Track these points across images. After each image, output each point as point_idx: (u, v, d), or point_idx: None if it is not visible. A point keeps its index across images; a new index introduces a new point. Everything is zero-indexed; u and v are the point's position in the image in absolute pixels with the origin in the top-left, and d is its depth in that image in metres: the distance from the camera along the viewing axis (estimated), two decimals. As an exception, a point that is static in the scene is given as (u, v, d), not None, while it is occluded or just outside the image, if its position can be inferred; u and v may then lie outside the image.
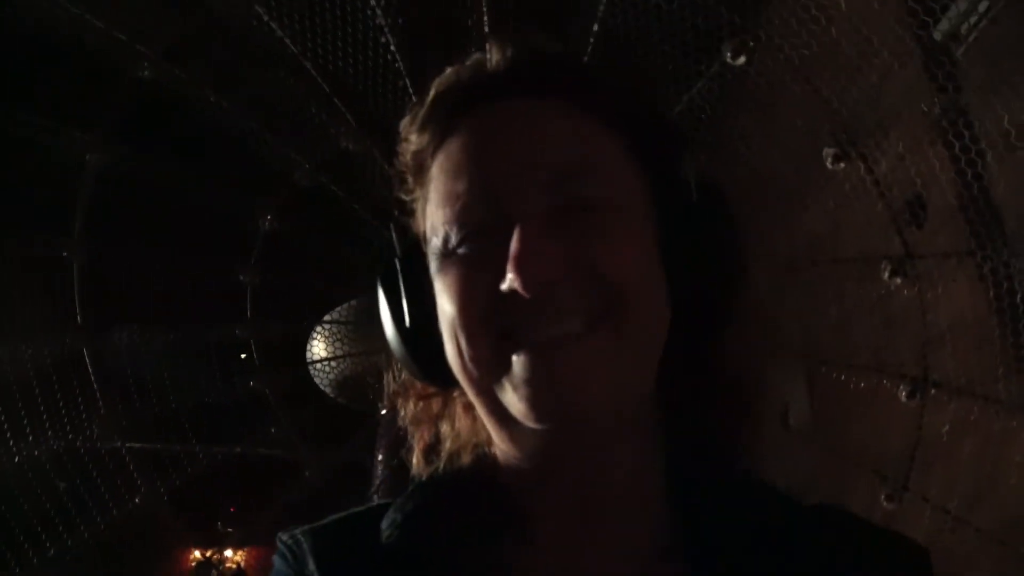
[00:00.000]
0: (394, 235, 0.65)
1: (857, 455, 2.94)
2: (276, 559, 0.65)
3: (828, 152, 2.19)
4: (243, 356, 3.67)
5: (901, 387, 2.47)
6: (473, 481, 0.64)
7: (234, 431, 3.68)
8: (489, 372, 0.55)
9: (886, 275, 2.33)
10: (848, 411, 3.21)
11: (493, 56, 0.62)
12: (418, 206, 0.64)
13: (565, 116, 0.58)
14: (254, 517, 4.18)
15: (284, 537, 0.65)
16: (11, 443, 3.17)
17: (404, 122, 0.64)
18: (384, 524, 0.62)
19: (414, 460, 0.68)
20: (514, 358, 0.53)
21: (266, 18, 2.63)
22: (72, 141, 2.95)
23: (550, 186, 0.54)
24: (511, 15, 2.39)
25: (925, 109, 2.38)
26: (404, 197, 0.65)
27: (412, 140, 0.62)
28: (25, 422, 3.20)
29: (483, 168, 0.56)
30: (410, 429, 0.69)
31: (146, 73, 2.81)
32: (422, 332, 0.61)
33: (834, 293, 3.27)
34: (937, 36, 2.37)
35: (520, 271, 0.51)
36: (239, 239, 3.51)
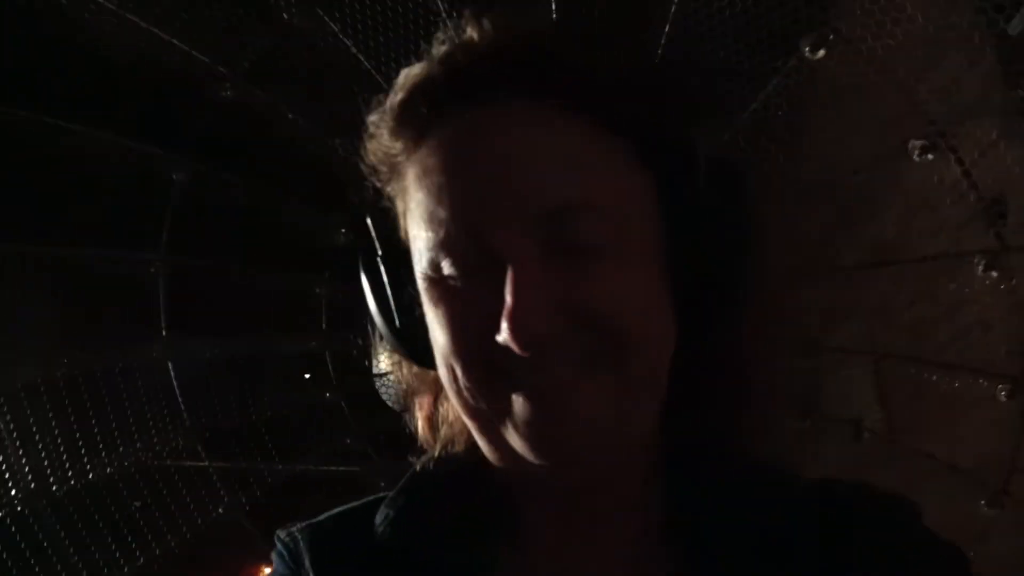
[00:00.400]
0: (372, 229, 0.62)
1: (947, 459, 2.84)
2: (274, 557, 0.64)
3: (915, 144, 2.13)
4: (307, 374, 3.76)
5: (1000, 387, 2.37)
6: (466, 474, 0.62)
7: (310, 442, 3.75)
8: (487, 404, 0.53)
9: (980, 270, 2.25)
10: (932, 414, 3.12)
11: (467, 48, 0.55)
12: (397, 203, 0.60)
13: (552, 121, 0.51)
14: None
15: (282, 535, 0.65)
16: (103, 455, 3.30)
17: (372, 119, 0.59)
18: (377, 520, 0.61)
19: (419, 429, 0.66)
20: (513, 397, 0.52)
21: (341, 36, 2.71)
22: (158, 160, 3.08)
23: (540, 216, 0.50)
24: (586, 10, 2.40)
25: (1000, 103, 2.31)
26: (378, 184, 0.61)
27: (384, 143, 0.58)
28: (116, 433, 3.34)
29: (468, 195, 0.51)
30: (408, 397, 0.67)
31: (228, 93, 2.91)
32: (411, 328, 0.60)
33: (917, 292, 3.18)
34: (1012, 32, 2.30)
35: (515, 331, 0.48)
36: (311, 253, 3.59)
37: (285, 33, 2.82)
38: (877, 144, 2.80)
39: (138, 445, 3.41)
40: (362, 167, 0.61)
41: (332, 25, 2.75)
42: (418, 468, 0.65)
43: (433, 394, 0.65)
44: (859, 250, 3.37)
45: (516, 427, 0.52)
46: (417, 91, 0.55)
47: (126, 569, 3.37)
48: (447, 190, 0.51)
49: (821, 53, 2.13)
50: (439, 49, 0.56)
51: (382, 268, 0.61)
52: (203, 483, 3.53)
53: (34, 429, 3.15)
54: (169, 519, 3.46)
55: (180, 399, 3.46)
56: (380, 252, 0.61)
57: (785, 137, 2.55)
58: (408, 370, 0.66)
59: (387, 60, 2.82)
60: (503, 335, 0.48)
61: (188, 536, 3.48)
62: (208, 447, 3.53)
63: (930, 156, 2.15)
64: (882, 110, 2.53)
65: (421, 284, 0.55)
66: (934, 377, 2.63)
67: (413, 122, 0.55)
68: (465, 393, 0.53)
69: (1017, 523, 2.85)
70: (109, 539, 3.35)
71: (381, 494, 0.65)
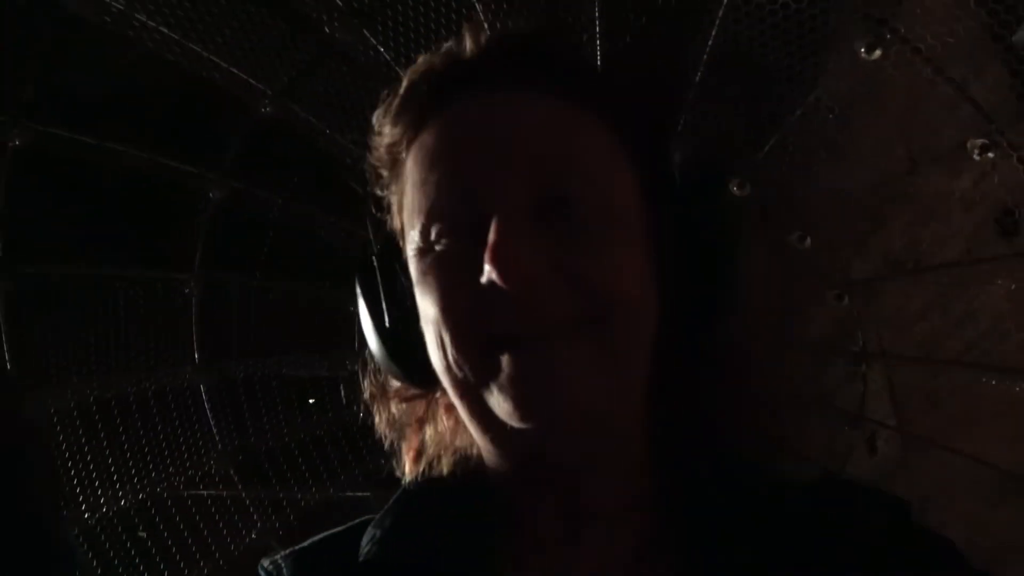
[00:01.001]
0: (370, 232, 0.63)
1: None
2: None
3: (975, 143, 2.12)
4: (343, 394, 3.71)
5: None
6: (454, 489, 0.61)
7: (345, 464, 3.69)
8: (475, 373, 0.53)
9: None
10: (965, 417, 3.10)
11: (468, 43, 0.58)
12: (394, 200, 0.61)
13: (547, 107, 0.54)
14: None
15: (265, 563, 0.64)
16: (135, 480, 3.24)
17: (377, 114, 0.61)
18: (364, 541, 0.60)
19: (405, 468, 0.65)
20: (500, 358, 0.51)
21: (382, 50, 2.70)
22: (193, 179, 3.05)
23: (530, 178, 0.52)
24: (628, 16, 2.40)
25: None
26: (379, 192, 0.63)
27: (385, 133, 0.60)
28: (148, 458, 3.28)
29: (459, 160, 0.54)
30: (388, 434, 0.65)
31: (267, 110, 2.90)
32: (402, 332, 0.59)
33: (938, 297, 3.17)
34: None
35: (497, 262, 0.48)
36: (346, 271, 3.55)
37: (325, 48, 2.82)
38: (920, 148, 2.80)
39: (171, 470, 3.35)
40: (366, 171, 0.63)
41: (372, 39, 2.74)
42: (406, 488, 0.64)
43: (419, 425, 0.64)
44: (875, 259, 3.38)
45: (501, 388, 0.51)
46: (419, 79, 0.58)
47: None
48: (440, 159, 0.54)
49: (877, 53, 2.12)
50: (444, 47, 0.60)
51: (376, 268, 0.61)
52: (236, 508, 3.46)
53: (67, 455, 3.09)
54: (202, 545, 3.39)
55: (212, 422, 3.41)
56: (376, 251, 0.62)
57: (835, 140, 2.54)
58: (392, 405, 0.65)
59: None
60: (486, 271, 0.48)
61: (221, 563, 3.40)
62: (241, 471, 3.47)
63: (991, 155, 2.13)
64: (927, 111, 2.53)
65: (412, 264, 0.56)
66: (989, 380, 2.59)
67: (414, 108, 0.57)
68: (454, 366, 0.53)
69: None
70: (141, 567, 3.28)
71: (367, 516, 0.63)
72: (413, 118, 0.57)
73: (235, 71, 2.84)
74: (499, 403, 0.52)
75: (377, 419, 0.65)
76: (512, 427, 0.52)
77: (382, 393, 0.65)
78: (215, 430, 3.41)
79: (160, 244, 3.14)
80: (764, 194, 2.81)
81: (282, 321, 3.45)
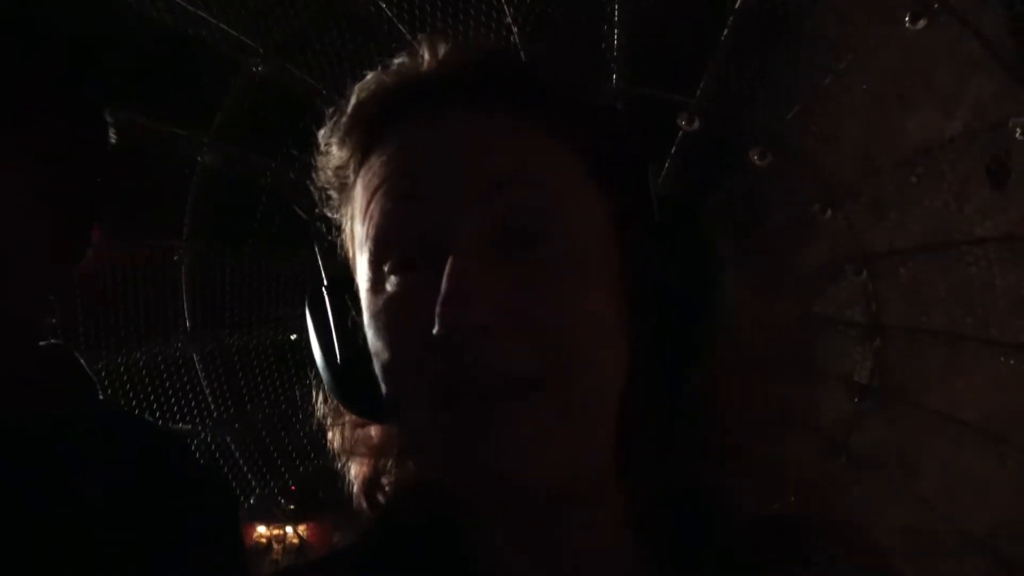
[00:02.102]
0: (319, 258, 0.60)
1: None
2: None
3: (1018, 121, 2.06)
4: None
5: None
6: (418, 534, 0.57)
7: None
8: (413, 423, 0.51)
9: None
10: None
11: (424, 57, 0.54)
12: (345, 225, 0.57)
13: (511, 129, 0.50)
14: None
15: None
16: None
17: (323, 132, 0.57)
18: None
19: (355, 497, 0.61)
20: (442, 414, 0.47)
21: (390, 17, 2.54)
22: (183, 143, 2.89)
23: (490, 209, 0.47)
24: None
25: None
26: (330, 215, 0.59)
27: (333, 154, 0.56)
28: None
29: (409, 186, 0.49)
30: (342, 458, 0.61)
31: (259, 69, 2.73)
32: (354, 367, 0.55)
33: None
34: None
35: (448, 319, 0.44)
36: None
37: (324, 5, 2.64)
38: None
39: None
40: (313, 192, 0.59)
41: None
42: (362, 532, 0.60)
43: (372, 453, 0.60)
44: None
45: (437, 446, 0.49)
46: (368, 98, 0.54)
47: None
48: (390, 184, 0.50)
49: (922, 23, 2.03)
50: (396, 62, 0.56)
51: (326, 299, 0.57)
52: (234, 475, 3.42)
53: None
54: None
55: (207, 391, 3.32)
56: (325, 282, 0.58)
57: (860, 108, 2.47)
58: (347, 429, 0.61)
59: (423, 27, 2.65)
60: (435, 327, 0.45)
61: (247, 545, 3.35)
62: (237, 439, 3.41)
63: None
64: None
65: (364, 301, 0.52)
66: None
67: (363, 129, 0.53)
68: (404, 416, 0.51)
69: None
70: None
71: (331, 554, 0.61)
72: (361, 140, 0.53)
73: (226, 28, 2.66)
74: (433, 461, 0.50)
75: (330, 438, 0.62)
76: (461, 489, 0.49)
77: (336, 414, 0.61)
78: (210, 399, 3.33)
79: (149, 211, 2.98)
80: (786, 163, 2.73)
81: (275, 288, 3.34)
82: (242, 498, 3.44)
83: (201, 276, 3.19)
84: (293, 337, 3.41)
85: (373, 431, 0.60)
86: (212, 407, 3.34)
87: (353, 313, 0.56)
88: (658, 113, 2.87)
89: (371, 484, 0.60)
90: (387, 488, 0.60)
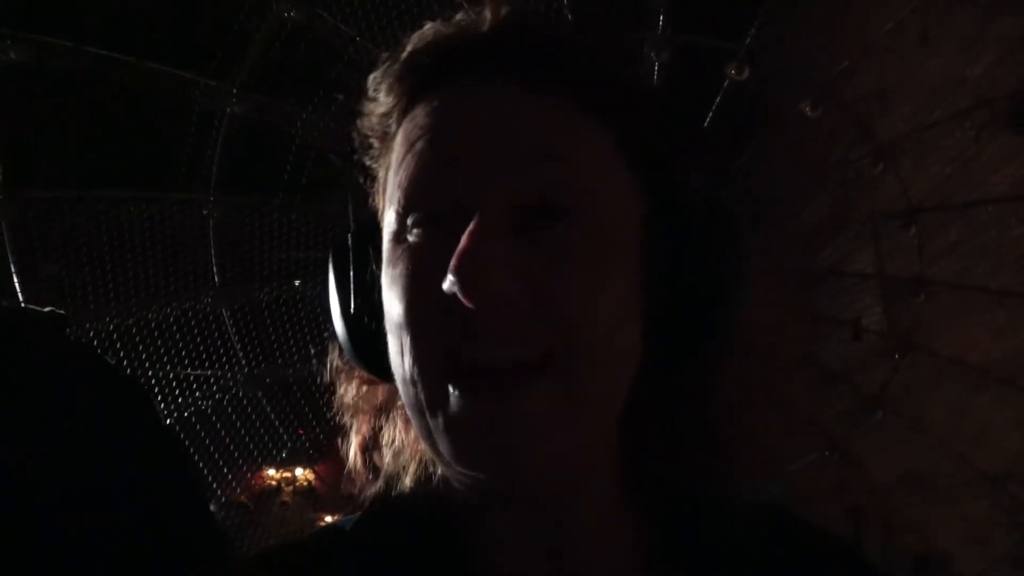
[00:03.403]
0: (350, 205, 0.59)
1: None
2: None
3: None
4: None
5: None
6: (414, 517, 0.56)
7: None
8: (428, 396, 0.47)
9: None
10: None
11: (485, 17, 0.52)
12: (380, 175, 0.56)
13: (548, 102, 0.49)
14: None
15: None
16: (162, 405, 3.15)
17: (373, 77, 0.55)
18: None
19: (350, 455, 0.59)
20: (449, 388, 0.46)
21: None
22: (210, 92, 2.79)
23: (523, 179, 0.46)
24: None
25: None
26: (368, 163, 0.57)
27: (380, 101, 0.54)
28: (174, 383, 3.19)
29: (449, 144, 0.49)
30: (344, 413, 0.60)
31: (291, 15, 2.61)
32: (368, 321, 0.55)
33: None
34: None
35: (462, 274, 0.43)
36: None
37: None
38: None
39: (197, 395, 3.26)
40: (355, 139, 0.57)
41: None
42: (367, 514, 0.58)
43: (373, 418, 0.59)
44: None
45: (446, 427, 0.46)
46: (423, 49, 0.52)
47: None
48: (430, 138, 0.49)
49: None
50: (456, 18, 0.54)
51: (350, 248, 0.57)
52: (266, 430, 3.42)
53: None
54: (232, 467, 3.37)
55: (237, 346, 3.30)
56: (352, 229, 0.57)
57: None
58: (354, 385, 0.60)
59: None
60: (448, 280, 0.43)
61: (252, 482, 3.39)
62: (269, 394, 3.40)
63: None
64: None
65: (385, 250, 0.51)
66: None
67: (412, 78, 0.52)
68: (409, 381, 0.48)
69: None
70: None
71: (329, 526, 0.59)
72: (409, 89, 0.52)
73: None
74: (441, 441, 0.47)
75: (337, 394, 0.61)
76: (457, 470, 0.48)
77: (348, 370, 0.60)
78: (241, 354, 3.30)
79: (177, 165, 2.90)
80: (836, 116, 2.65)
81: (305, 240, 3.28)
82: (274, 451, 3.47)
83: (230, 230, 3.13)
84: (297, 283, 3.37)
85: (379, 392, 0.59)
86: (243, 362, 3.32)
87: (373, 266, 0.55)
88: (703, 63, 2.78)
89: (368, 445, 0.59)
90: (386, 453, 0.58)
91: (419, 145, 0.49)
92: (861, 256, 3.36)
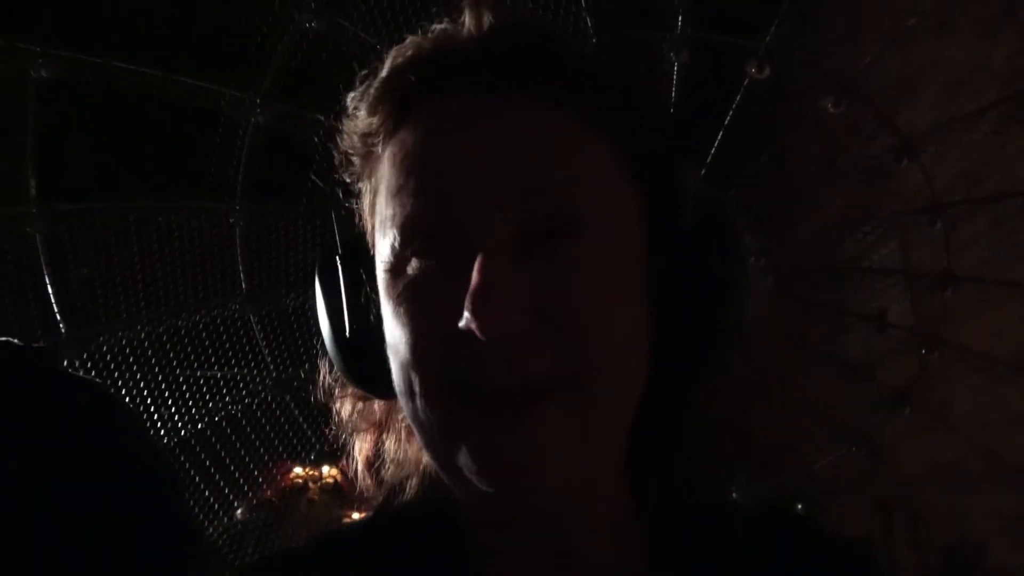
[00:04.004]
0: (335, 225, 0.58)
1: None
2: None
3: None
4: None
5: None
6: (416, 524, 0.57)
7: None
8: (441, 426, 0.48)
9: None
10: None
11: (468, 27, 0.51)
12: (365, 195, 0.55)
13: (546, 118, 0.48)
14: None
15: None
16: (193, 411, 3.21)
17: (353, 95, 0.54)
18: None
19: (357, 472, 0.61)
20: (469, 415, 0.46)
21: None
22: (235, 102, 2.83)
23: (525, 203, 0.46)
24: None
25: None
26: (348, 179, 0.57)
27: (360, 119, 0.53)
28: (204, 389, 3.24)
29: (443, 171, 0.47)
30: (347, 430, 0.61)
31: (312, 24, 2.64)
32: (363, 343, 0.54)
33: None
34: None
35: (477, 313, 0.43)
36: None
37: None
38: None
39: (227, 399, 3.32)
40: (335, 156, 0.57)
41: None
42: (364, 519, 0.60)
43: (376, 433, 0.60)
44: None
45: (468, 452, 0.47)
46: (405, 64, 0.51)
47: (225, 520, 3.36)
48: (422, 166, 0.48)
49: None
50: (436, 30, 0.53)
51: (339, 269, 0.56)
52: (294, 432, 3.47)
53: (123, 390, 3.05)
54: (263, 469, 3.42)
55: (266, 351, 3.34)
56: (340, 251, 0.56)
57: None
58: (351, 405, 0.61)
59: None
60: (465, 318, 0.43)
61: (282, 484, 3.44)
62: (296, 397, 3.44)
63: None
64: None
65: (382, 281, 0.50)
66: None
67: (396, 97, 0.51)
68: (421, 414, 0.48)
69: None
70: (205, 491, 3.32)
71: (325, 532, 0.60)
72: (394, 108, 0.51)
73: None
74: (465, 463, 0.47)
75: (334, 411, 0.61)
76: (473, 488, 0.47)
77: (341, 385, 0.61)
78: (269, 359, 3.35)
79: (203, 175, 2.94)
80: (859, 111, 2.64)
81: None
82: (302, 453, 3.52)
83: (256, 237, 3.17)
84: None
85: (376, 406, 0.59)
86: (271, 366, 3.36)
87: (367, 288, 0.54)
88: (723, 61, 2.77)
89: (374, 461, 0.60)
90: (389, 465, 0.59)
91: (412, 171, 0.48)
92: (885, 249, 3.34)
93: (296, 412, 3.43)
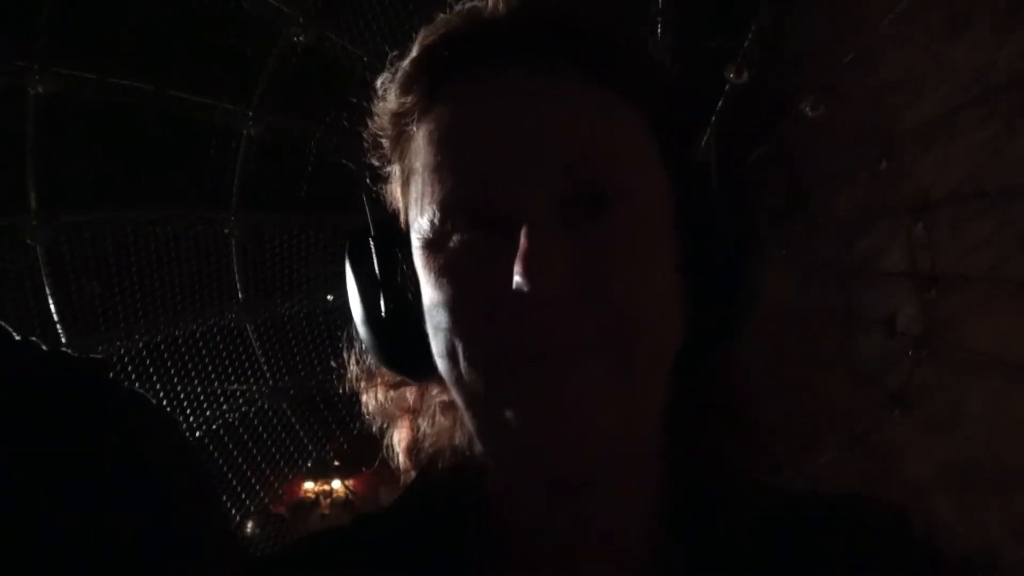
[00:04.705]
0: (366, 207, 0.57)
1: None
2: None
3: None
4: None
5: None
6: (450, 499, 0.57)
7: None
8: (488, 387, 0.49)
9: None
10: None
11: (494, 4, 0.51)
12: (396, 176, 0.56)
13: (584, 89, 0.48)
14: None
15: None
16: (191, 419, 3.26)
17: (383, 77, 0.54)
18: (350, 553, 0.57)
19: (400, 461, 0.61)
20: (515, 374, 0.47)
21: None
22: (228, 115, 2.90)
23: (563, 174, 0.47)
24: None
25: None
26: (376, 163, 0.57)
27: (392, 100, 0.53)
28: (201, 398, 3.29)
29: (481, 146, 0.48)
30: (378, 421, 0.62)
31: (301, 39, 2.71)
32: (399, 325, 0.54)
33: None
34: None
35: (529, 275, 0.44)
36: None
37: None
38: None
39: (224, 408, 3.37)
40: (364, 139, 0.57)
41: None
42: (398, 496, 0.60)
43: (410, 415, 0.61)
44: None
45: (515, 406, 0.47)
46: (436, 41, 0.51)
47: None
48: (460, 141, 0.48)
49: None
50: (464, 7, 0.53)
51: (372, 250, 0.56)
52: (290, 440, 3.51)
53: (121, 400, 3.08)
54: (260, 477, 3.46)
55: (262, 359, 3.40)
56: (372, 233, 0.56)
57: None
58: (380, 391, 0.61)
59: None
60: (516, 281, 0.44)
61: (279, 492, 3.48)
62: (293, 405, 3.49)
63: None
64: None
65: (419, 255, 0.51)
66: None
67: (428, 75, 0.51)
68: (466, 377, 0.49)
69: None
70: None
71: (363, 516, 0.60)
72: (427, 87, 0.51)
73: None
74: (513, 419, 0.48)
75: (363, 402, 0.62)
76: (519, 443, 0.48)
77: (368, 376, 0.61)
78: (265, 367, 3.40)
79: (198, 186, 3.01)
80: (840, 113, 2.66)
81: (323, 256, 3.37)
82: (299, 462, 3.56)
83: (251, 247, 3.23)
84: (330, 298, 3.45)
85: (408, 393, 0.60)
86: (268, 375, 3.41)
87: (404, 267, 0.55)
88: (705, 68, 2.81)
89: (414, 446, 0.61)
90: (428, 448, 0.60)
91: (450, 147, 0.49)
92: (892, 251, 3.34)
93: (293, 420, 3.48)
